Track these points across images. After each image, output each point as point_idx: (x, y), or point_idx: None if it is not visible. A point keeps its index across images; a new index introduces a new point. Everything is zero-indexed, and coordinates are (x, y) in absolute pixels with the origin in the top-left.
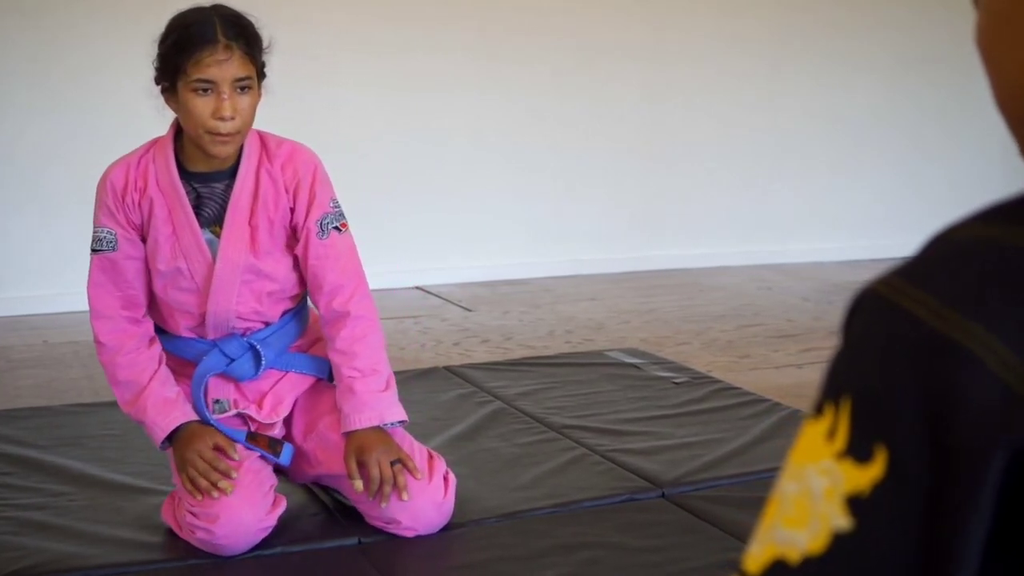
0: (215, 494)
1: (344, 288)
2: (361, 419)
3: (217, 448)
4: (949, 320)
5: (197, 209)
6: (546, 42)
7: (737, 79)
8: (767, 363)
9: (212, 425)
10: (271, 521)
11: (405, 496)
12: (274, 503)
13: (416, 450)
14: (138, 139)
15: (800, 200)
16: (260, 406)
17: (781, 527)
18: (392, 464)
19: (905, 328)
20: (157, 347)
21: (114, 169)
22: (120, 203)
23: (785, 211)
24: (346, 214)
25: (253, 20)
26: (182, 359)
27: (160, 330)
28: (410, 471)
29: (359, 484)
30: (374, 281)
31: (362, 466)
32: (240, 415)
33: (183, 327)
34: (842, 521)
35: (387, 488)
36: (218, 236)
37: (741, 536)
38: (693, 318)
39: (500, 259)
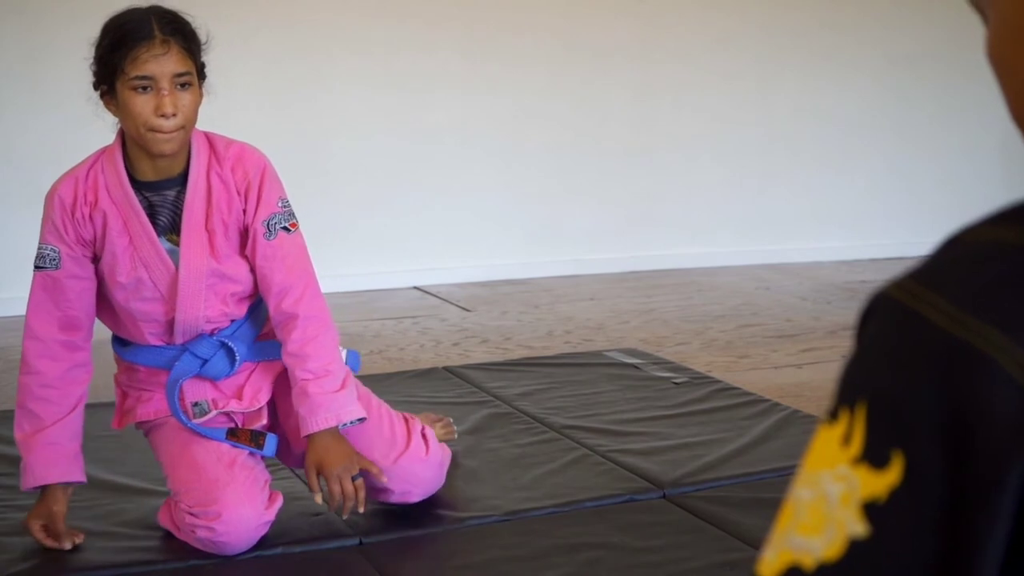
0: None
1: (293, 289)
2: (318, 421)
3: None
4: (965, 324)
5: (151, 218)
6: (544, 41)
7: (730, 77)
8: (766, 363)
9: (194, 429)
10: (270, 516)
11: (362, 509)
12: (271, 499)
13: (389, 420)
14: None
15: (797, 199)
16: (240, 398)
17: (796, 533)
18: (354, 479)
19: (921, 333)
20: (79, 386)
21: (61, 184)
22: (70, 219)
23: (782, 210)
24: (345, 214)
25: (190, 19)
26: (153, 368)
27: (124, 341)
28: (374, 476)
29: (319, 498)
30: (373, 281)
31: (323, 479)
32: (223, 414)
33: (148, 335)
34: (858, 527)
35: (348, 504)
36: (175, 244)
37: (742, 537)
38: (692, 318)
39: (498, 259)
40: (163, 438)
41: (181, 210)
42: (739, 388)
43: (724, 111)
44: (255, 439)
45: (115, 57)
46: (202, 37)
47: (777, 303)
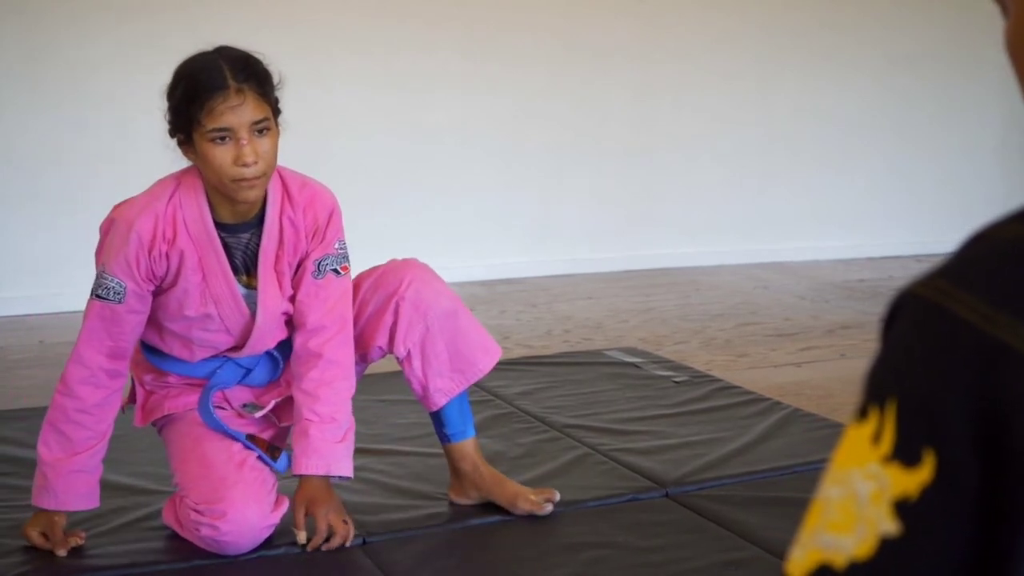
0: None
1: (325, 330)
2: (309, 465)
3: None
4: (998, 322)
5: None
6: (544, 41)
7: (730, 77)
8: (766, 362)
9: (221, 429)
10: (275, 519)
11: (347, 544)
12: (277, 502)
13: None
14: (136, 139)
15: (796, 198)
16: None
17: (826, 532)
18: (344, 522)
19: (953, 331)
20: (112, 412)
21: (139, 218)
22: (145, 255)
23: (781, 209)
24: (344, 214)
25: (260, 58)
26: (193, 377)
27: (159, 352)
28: (338, 536)
29: (302, 536)
30: None
31: (311, 517)
32: (266, 417)
33: (199, 355)
34: (890, 526)
35: (335, 542)
36: (245, 285)
37: (745, 535)
38: (691, 317)
39: (496, 258)
40: (176, 432)
41: (253, 253)
42: (739, 387)
43: (724, 111)
44: (272, 451)
45: (190, 109)
46: (274, 76)
47: (776, 302)
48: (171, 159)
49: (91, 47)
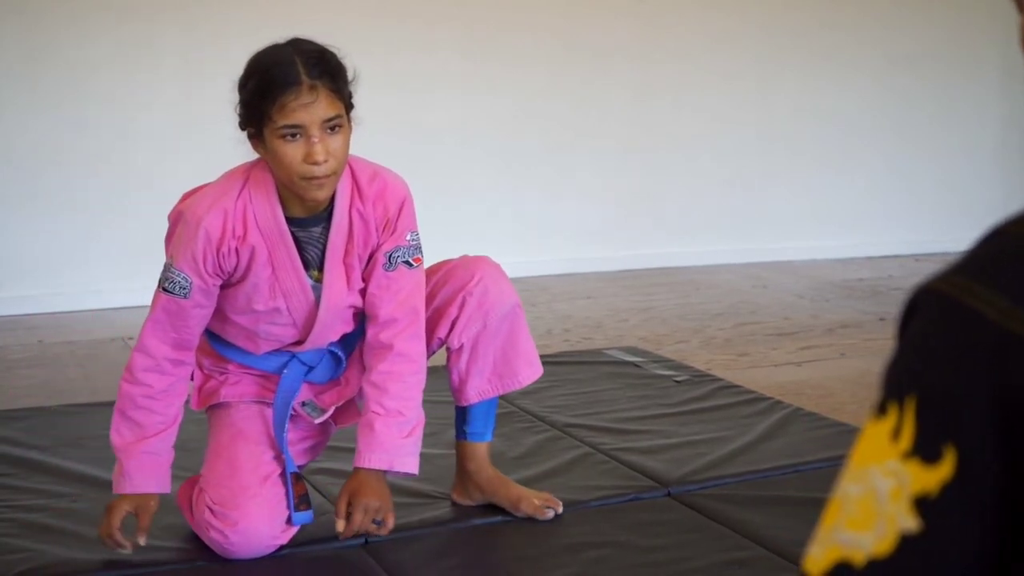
0: (111, 545)
1: (397, 322)
2: (371, 459)
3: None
4: (1017, 317)
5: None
6: (543, 41)
7: (729, 77)
8: (766, 361)
9: (282, 450)
10: (283, 539)
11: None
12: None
13: None
14: (135, 140)
15: (794, 197)
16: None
17: (844, 529)
18: (377, 522)
19: (974, 328)
20: (180, 398)
21: (208, 214)
22: (214, 252)
23: (779, 208)
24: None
25: (336, 52)
26: (256, 369)
27: (225, 341)
28: (382, 526)
29: (341, 524)
30: None
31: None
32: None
33: (264, 347)
34: (910, 522)
35: (363, 530)
36: (316, 280)
37: (748, 535)
38: (691, 316)
39: (496, 258)
40: (220, 422)
41: (325, 247)
42: (740, 386)
43: (724, 111)
44: (302, 500)
45: (262, 104)
46: (349, 71)
47: (775, 301)
48: (175, 157)
49: (91, 47)
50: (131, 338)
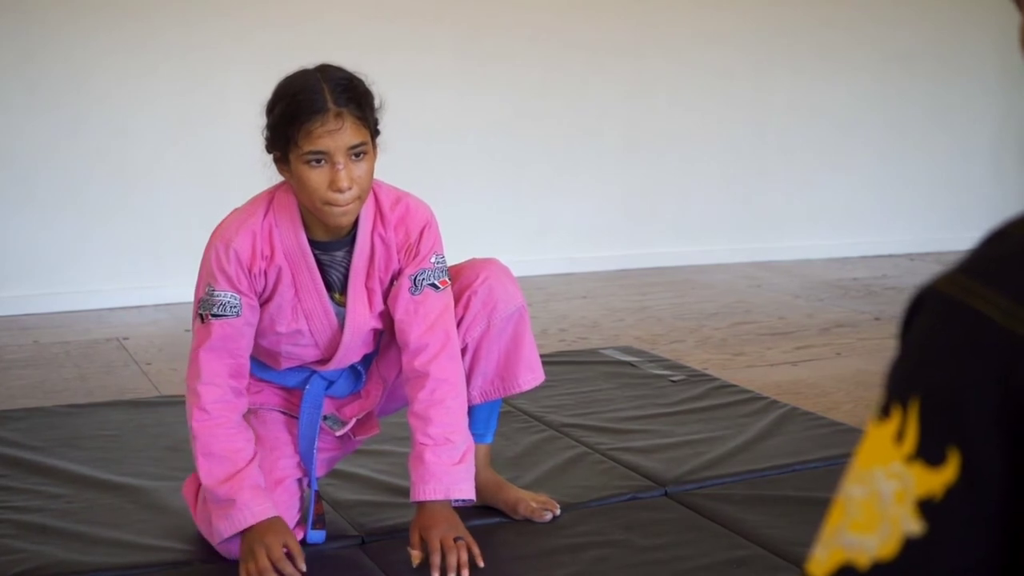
0: None
1: (429, 348)
2: (427, 491)
3: (286, 550)
4: (1020, 318)
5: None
6: (539, 40)
7: (723, 75)
8: (762, 360)
9: (310, 471)
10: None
11: (465, 573)
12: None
13: None
14: (134, 140)
15: (789, 196)
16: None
17: (848, 531)
18: (456, 540)
19: (977, 328)
20: (250, 431)
21: (237, 236)
22: (246, 274)
23: (774, 207)
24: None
25: (363, 79)
26: (275, 383)
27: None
28: (474, 556)
29: (416, 555)
30: None
31: (424, 540)
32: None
33: (285, 365)
34: (914, 525)
35: (452, 559)
36: (338, 303)
37: (746, 534)
38: (686, 316)
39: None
40: None
41: (347, 271)
42: (736, 386)
43: (719, 109)
44: (317, 518)
45: (288, 129)
46: (376, 99)
47: (770, 301)
48: (173, 159)
49: (88, 47)
50: (126, 338)
